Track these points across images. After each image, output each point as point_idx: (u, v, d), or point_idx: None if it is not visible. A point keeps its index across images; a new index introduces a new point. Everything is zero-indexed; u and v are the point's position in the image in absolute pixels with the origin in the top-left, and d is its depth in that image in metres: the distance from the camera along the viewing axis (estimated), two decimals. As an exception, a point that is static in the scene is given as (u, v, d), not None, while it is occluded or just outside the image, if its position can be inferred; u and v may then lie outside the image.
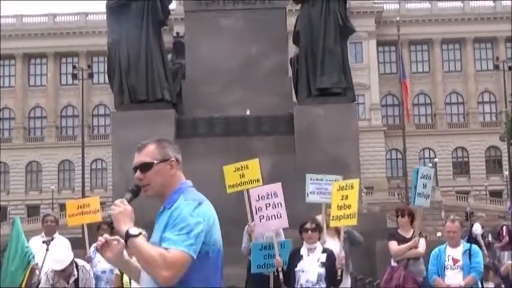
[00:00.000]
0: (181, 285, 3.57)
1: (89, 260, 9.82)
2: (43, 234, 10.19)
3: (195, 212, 3.64)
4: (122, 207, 3.68)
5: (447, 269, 8.74)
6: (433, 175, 9.78)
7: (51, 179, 73.89)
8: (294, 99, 17.40)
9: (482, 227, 20.92)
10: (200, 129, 16.43)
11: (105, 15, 17.60)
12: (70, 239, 10.62)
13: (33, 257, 9.33)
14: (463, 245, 8.89)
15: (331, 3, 16.36)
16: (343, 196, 8.93)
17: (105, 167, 71.27)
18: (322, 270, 8.31)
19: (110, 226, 9.49)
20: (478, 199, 67.09)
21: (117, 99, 16.68)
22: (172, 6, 19.73)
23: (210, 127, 16.41)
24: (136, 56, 16.27)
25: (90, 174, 72.09)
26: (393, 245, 9.61)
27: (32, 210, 71.52)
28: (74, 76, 60.89)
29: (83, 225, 10.74)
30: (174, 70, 18.37)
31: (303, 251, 8.50)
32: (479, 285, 9.82)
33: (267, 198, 8.71)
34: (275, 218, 8.69)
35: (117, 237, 3.76)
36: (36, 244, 9.80)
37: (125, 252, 3.79)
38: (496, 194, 68.75)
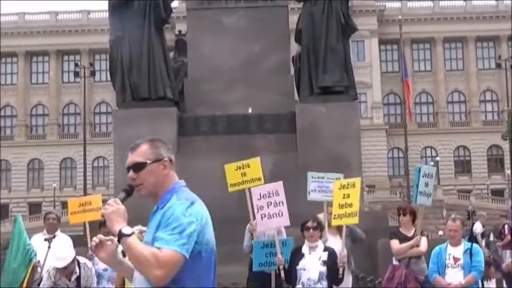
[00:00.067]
0: (174, 284, 3.56)
1: (91, 258, 9.80)
2: (45, 231, 10.22)
3: (188, 212, 3.63)
4: (115, 207, 3.68)
5: (448, 267, 8.74)
6: (435, 174, 9.76)
7: (53, 177, 73.96)
8: (296, 97, 17.39)
9: (483, 226, 20.91)
10: (202, 127, 16.41)
11: (107, 13, 17.58)
12: (72, 237, 10.64)
13: (35, 255, 9.36)
14: (464, 244, 8.89)
15: (334, 2, 16.33)
16: (344, 195, 8.92)
17: (107, 164, 71.38)
18: (324, 269, 8.31)
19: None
20: (480, 198, 67.05)
21: (119, 97, 16.68)
22: (174, 4, 19.74)
23: (212, 125, 16.39)
24: (138, 54, 16.27)
25: (92, 172, 72.12)
26: (395, 244, 9.61)
27: (34, 208, 71.59)
28: (76, 74, 60.84)
29: (84, 223, 10.76)
30: (176, 68, 18.37)
31: (305, 249, 8.49)
32: (480, 285, 9.82)
33: (269, 196, 8.71)
34: (277, 216, 8.69)
35: (111, 237, 3.75)
36: (38, 242, 9.84)
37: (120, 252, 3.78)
38: (497, 193, 68.74)
